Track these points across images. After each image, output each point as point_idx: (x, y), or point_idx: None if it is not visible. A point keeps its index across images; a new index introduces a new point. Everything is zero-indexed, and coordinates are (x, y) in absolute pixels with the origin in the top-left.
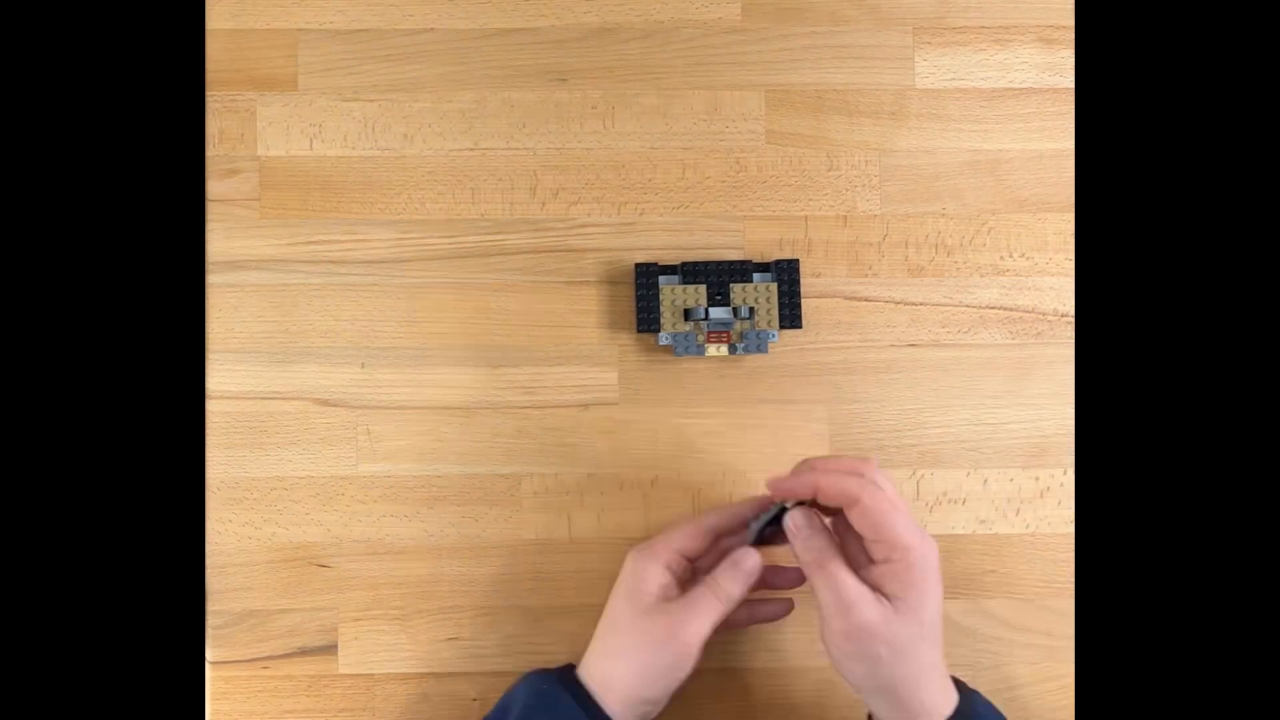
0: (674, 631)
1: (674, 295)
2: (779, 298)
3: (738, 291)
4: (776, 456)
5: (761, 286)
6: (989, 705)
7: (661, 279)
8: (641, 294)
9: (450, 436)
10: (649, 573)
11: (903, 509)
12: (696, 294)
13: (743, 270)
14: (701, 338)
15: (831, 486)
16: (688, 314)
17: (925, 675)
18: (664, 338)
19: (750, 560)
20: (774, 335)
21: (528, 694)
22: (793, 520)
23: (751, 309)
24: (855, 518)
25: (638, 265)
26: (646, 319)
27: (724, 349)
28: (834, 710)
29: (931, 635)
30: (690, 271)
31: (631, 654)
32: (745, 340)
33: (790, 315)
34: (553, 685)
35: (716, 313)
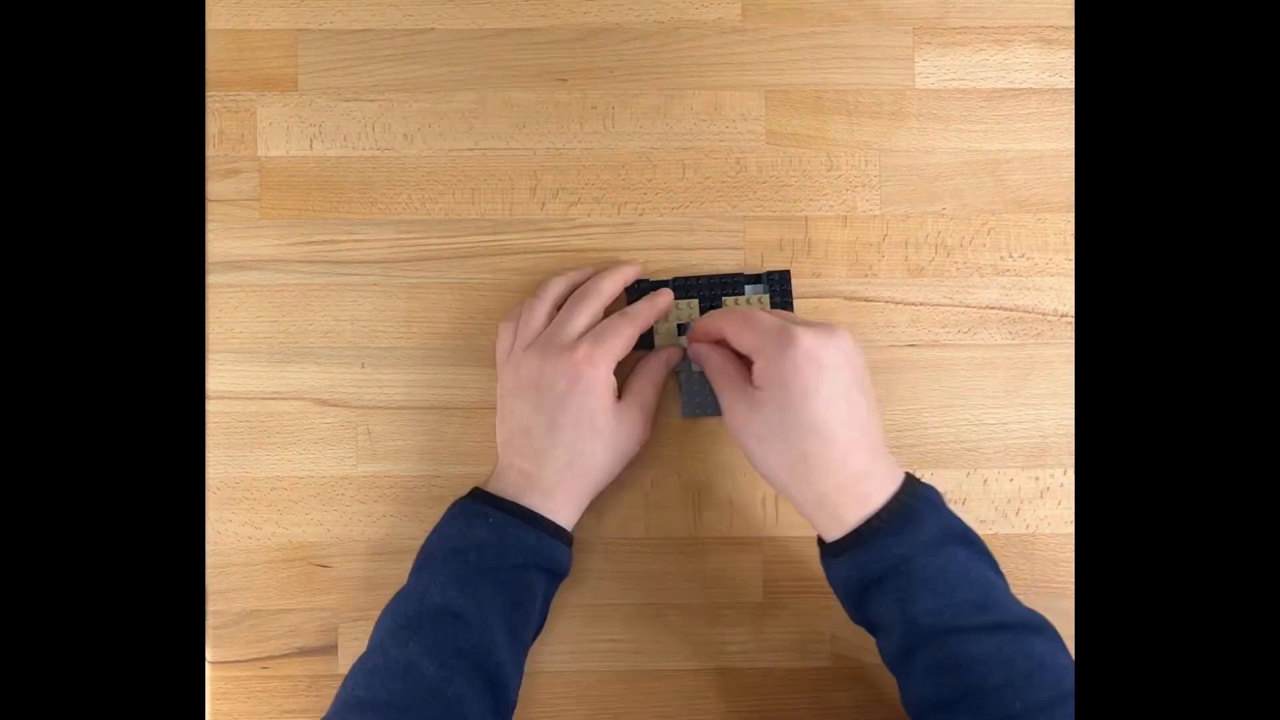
0: (642, 427)
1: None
2: (771, 308)
3: (729, 304)
4: None
5: (754, 299)
6: (928, 498)
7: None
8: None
9: (450, 436)
10: (606, 383)
11: (759, 318)
12: (689, 308)
13: (734, 283)
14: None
15: (704, 325)
16: (681, 329)
17: (809, 464)
18: None
19: (664, 294)
20: None
21: (488, 532)
22: (691, 350)
23: None
24: (727, 333)
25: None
26: (650, 344)
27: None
28: (834, 710)
29: (803, 418)
30: (682, 286)
31: (599, 457)
32: None
33: None
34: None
35: None
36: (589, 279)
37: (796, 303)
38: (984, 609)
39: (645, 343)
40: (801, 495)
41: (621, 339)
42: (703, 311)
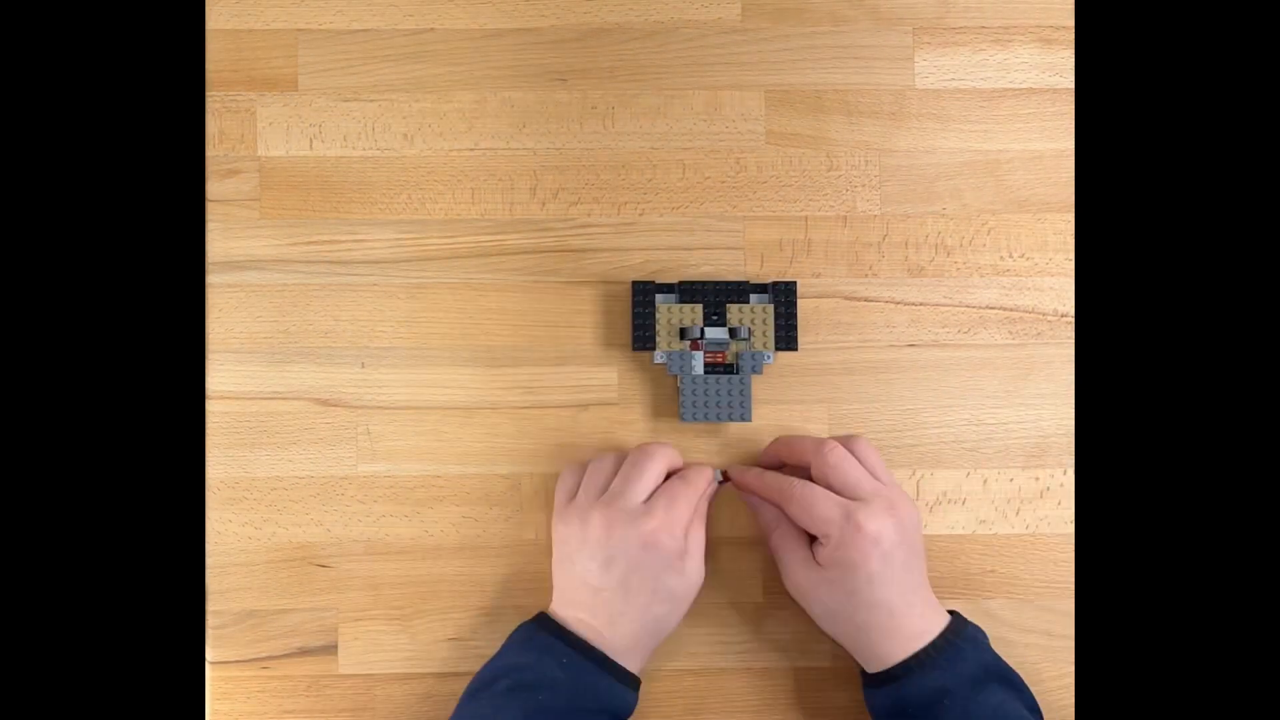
0: (700, 573)
1: (670, 314)
2: (775, 319)
3: (734, 312)
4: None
5: (759, 308)
6: (973, 636)
7: (659, 297)
8: (638, 312)
9: (450, 436)
10: (678, 551)
11: (822, 503)
12: (693, 313)
13: (740, 291)
14: (695, 358)
15: (765, 489)
16: (683, 333)
17: (867, 632)
18: (659, 356)
19: (697, 475)
20: (769, 357)
21: (561, 673)
22: (744, 475)
23: (749, 329)
24: (789, 512)
25: (635, 284)
26: (642, 337)
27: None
28: (834, 710)
29: (865, 598)
30: (687, 291)
31: (667, 610)
32: (740, 361)
33: (786, 337)
34: (581, 662)
35: (712, 332)
36: (646, 444)
37: (802, 301)
38: None
39: (646, 343)
40: (855, 647)
41: (691, 507)
42: (706, 317)
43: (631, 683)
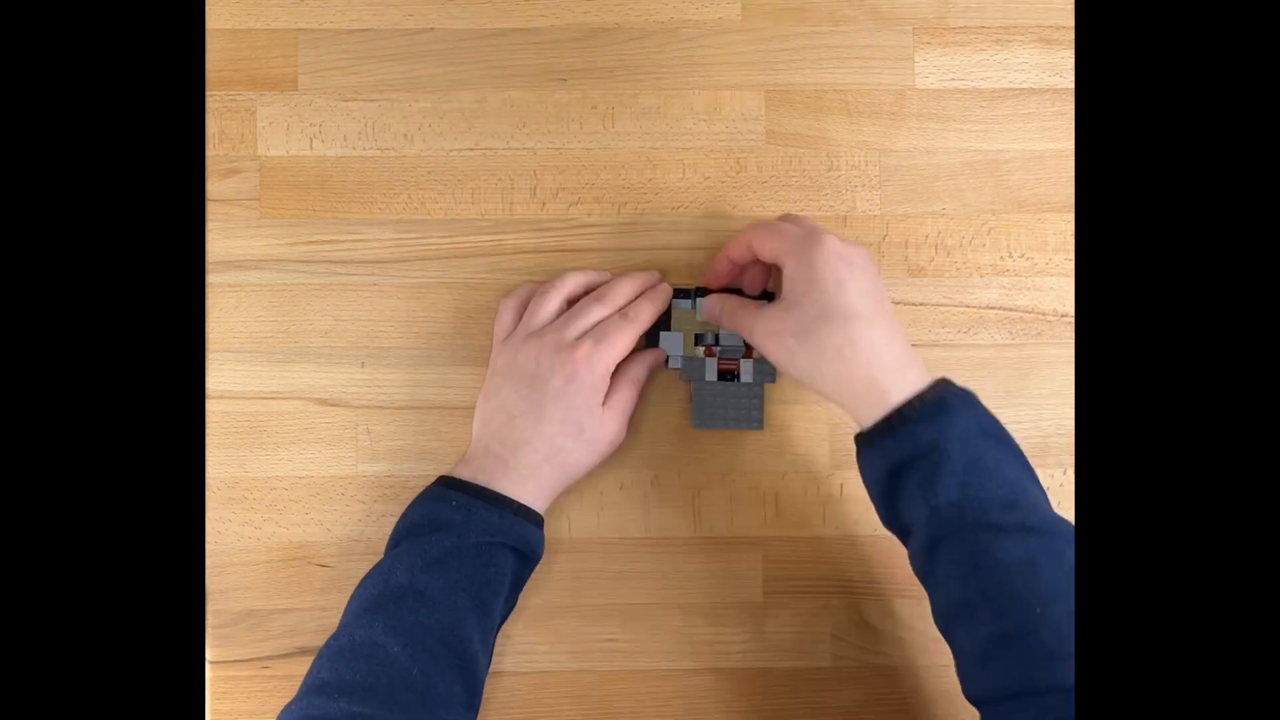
0: (619, 429)
1: (685, 319)
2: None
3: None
4: (777, 457)
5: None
6: (963, 396)
7: (675, 302)
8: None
9: (450, 436)
10: (599, 385)
11: (782, 227)
12: (700, 317)
13: (757, 298)
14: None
15: (729, 249)
16: (698, 339)
17: (852, 361)
18: (674, 361)
19: (663, 291)
20: None
21: (450, 513)
22: (703, 306)
23: None
24: (756, 249)
25: None
26: (656, 340)
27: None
28: (834, 710)
29: (840, 308)
30: (691, 295)
31: (576, 455)
32: (756, 369)
33: None
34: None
35: (727, 338)
36: (608, 282)
37: None
38: (1011, 507)
39: (651, 342)
40: (844, 385)
41: (623, 340)
42: (721, 330)
43: (531, 517)
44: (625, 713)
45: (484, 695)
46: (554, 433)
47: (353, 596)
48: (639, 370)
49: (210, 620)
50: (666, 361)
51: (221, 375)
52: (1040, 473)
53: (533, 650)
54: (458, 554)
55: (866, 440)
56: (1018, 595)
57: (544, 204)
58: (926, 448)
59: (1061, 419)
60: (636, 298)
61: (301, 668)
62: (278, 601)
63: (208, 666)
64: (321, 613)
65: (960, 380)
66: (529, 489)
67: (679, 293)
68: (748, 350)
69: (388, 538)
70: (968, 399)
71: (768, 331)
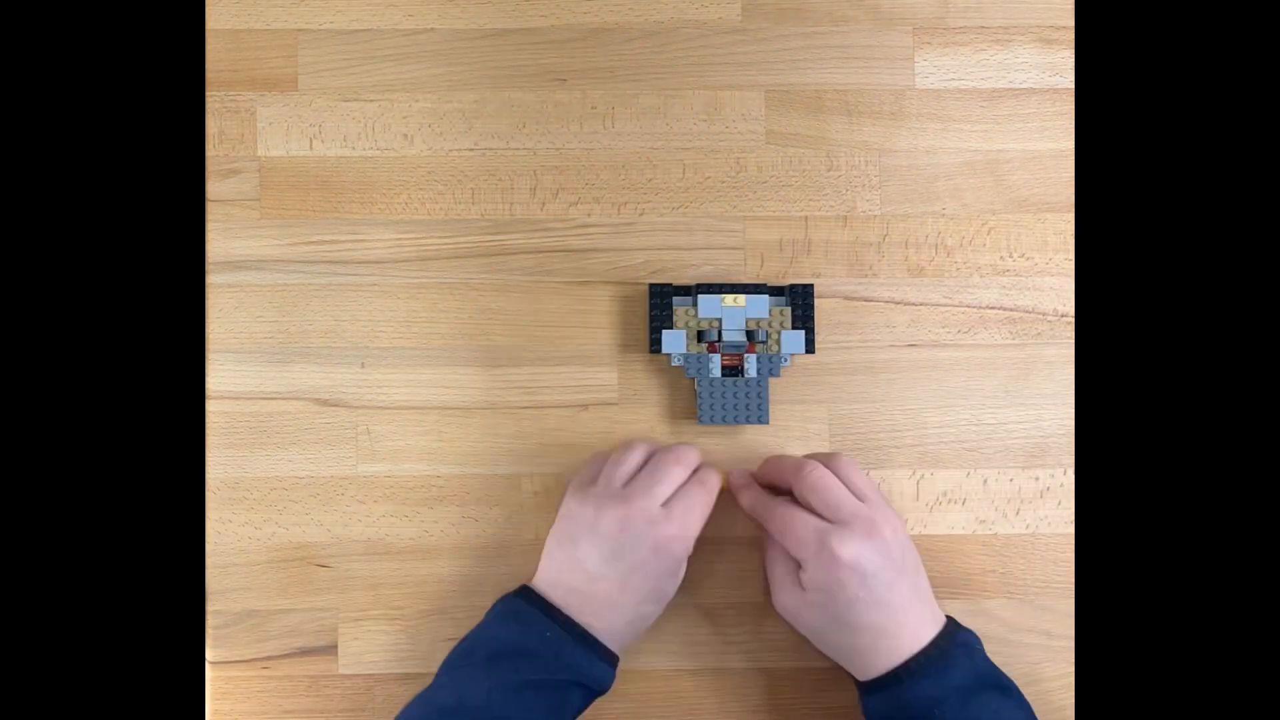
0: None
1: (687, 317)
2: (792, 322)
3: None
4: None
5: (775, 311)
6: (965, 643)
7: (675, 300)
8: (655, 314)
9: (450, 436)
10: (685, 559)
11: (797, 524)
12: (708, 319)
13: (757, 293)
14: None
15: (751, 509)
16: (700, 335)
17: (855, 651)
18: (676, 358)
19: (712, 479)
20: (786, 360)
21: (541, 645)
22: (734, 481)
23: (767, 332)
24: (771, 534)
25: (652, 285)
26: (659, 339)
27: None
28: (834, 710)
29: (848, 621)
30: (705, 293)
31: (655, 610)
32: (759, 364)
33: (805, 340)
34: (567, 642)
35: (730, 335)
36: (678, 445)
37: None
38: None
39: (654, 339)
40: (845, 664)
41: (705, 515)
42: (723, 326)
43: (612, 660)
44: (625, 713)
45: None
46: (639, 600)
47: (418, 700)
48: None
49: (210, 620)
50: (670, 359)
51: (221, 375)
52: (1040, 473)
53: None
54: (540, 687)
55: (865, 689)
56: None
57: (544, 204)
58: (928, 704)
59: (1061, 419)
60: (701, 471)
61: (301, 668)
62: (278, 602)
63: (208, 667)
64: (321, 613)
65: (960, 380)
66: (610, 639)
67: (680, 290)
68: (751, 345)
69: (462, 641)
70: (969, 648)
71: (785, 610)
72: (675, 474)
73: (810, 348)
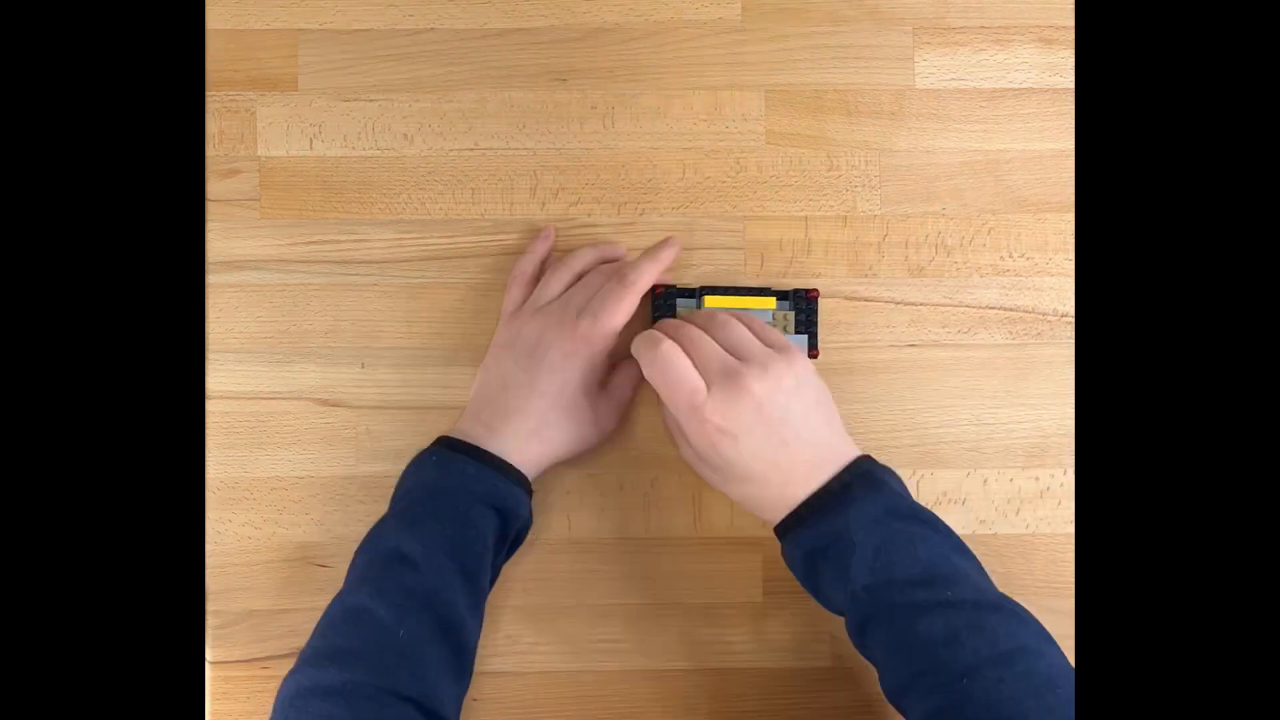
0: (611, 420)
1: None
2: (796, 326)
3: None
4: None
5: (779, 315)
6: (870, 481)
7: (679, 302)
8: (658, 317)
9: None
10: (595, 365)
11: (679, 376)
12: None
13: (760, 296)
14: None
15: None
16: None
17: (750, 498)
18: None
19: (671, 245)
20: None
21: (432, 470)
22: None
23: None
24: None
25: (654, 287)
26: (673, 313)
27: None
28: (834, 710)
29: (738, 479)
30: (709, 295)
31: (565, 434)
32: None
33: (808, 344)
34: (469, 463)
35: None
36: (624, 258)
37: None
38: (927, 584)
39: (668, 311)
40: (758, 513)
41: (622, 308)
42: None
43: (512, 475)
44: (625, 713)
45: (485, 695)
46: (546, 407)
47: (350, 564)
48: (639, 371)
49: (210, 621)
50: None
51: (221, 375)
52: (1040, 473)
53: (533, 650)
54: (437, 514)
55: (780, 532)
56: (944, 669)
57: (544, 204)
58: (831, 537)
59: (1061, 419)
60: (639, 257)
61: None
62: (278, 602)
63: (208, 667)
64: (321, 613)
65: (960, 380)
66: (511, 456)
67: (682, 292)
68: None
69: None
70: (875, 483)
71: (682, 450)
72: (599, 283)
73: (813, 352)
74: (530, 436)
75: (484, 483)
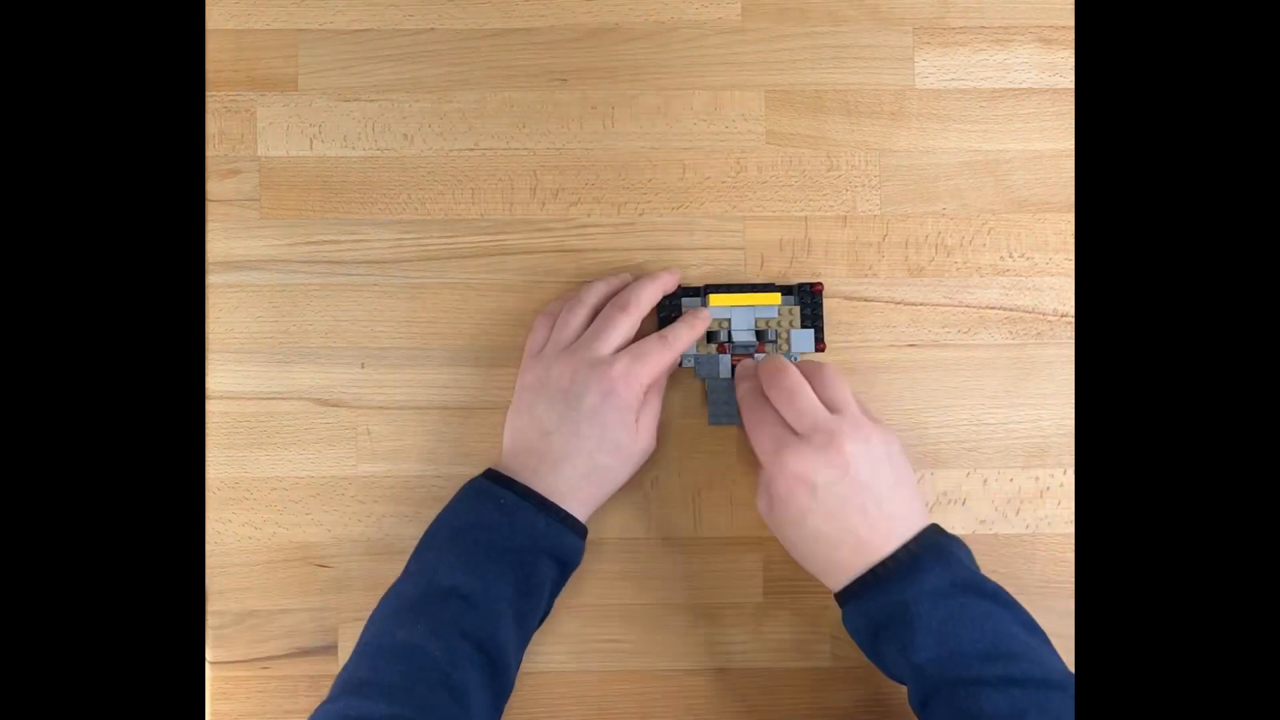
0: (652, 439)
1: None
2: (802, 321)
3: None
4: None
5: (784, 310)
6: (938, 552)
7: (684, 300)
8: (664, 316)
9: (450, 436)
10: (636, 404)
11: (761, 431)
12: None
13: (767, 292)
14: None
15: (742, 403)
16: (710, 336)
17: (817, 559)
18: (686, 359)
19: (702, 316)
20: (796, 359)
21: (498, 514)
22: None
23: (776, 332)
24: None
25: None
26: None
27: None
28: (834, 710)
29: (804, 532)
30: (713, 293)
31: (615, 472)
32: None
33: (814, 338)
34: (518, 502)
35: (739, 335)
36: (628, 286)
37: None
38: (993, 659)
39: (673, 310)
40: (822, 576)
41: (661, 364)
42: (733, 326)
43: (574, 526)
44: (625, 713)
45: None
46: (592, 449)
47: (388, 595)
48: (662, 379)
49: (210, 621)
50: (681, 361)
51: (221, 375)
52: (1040, 473)
53: (533, 650)
54: (501, 558)
55: (843, 599)
56: None
57: (544, 204)
58: (896, 609)
59: (1061, 419)
60: (677, 322)
61: (301, 668)
62: (278, 602)
63: (208, 667)
64: (321, 613)
65: (960, 380)
66: (570, 503)
67: (687, 291)
68: (760, 345)
69: (428, 528)
70: (943, 554)
71: (758, 501)
72: (623, 324)
73: (820, 346)
74: (583, 480)
75: (551, 538)
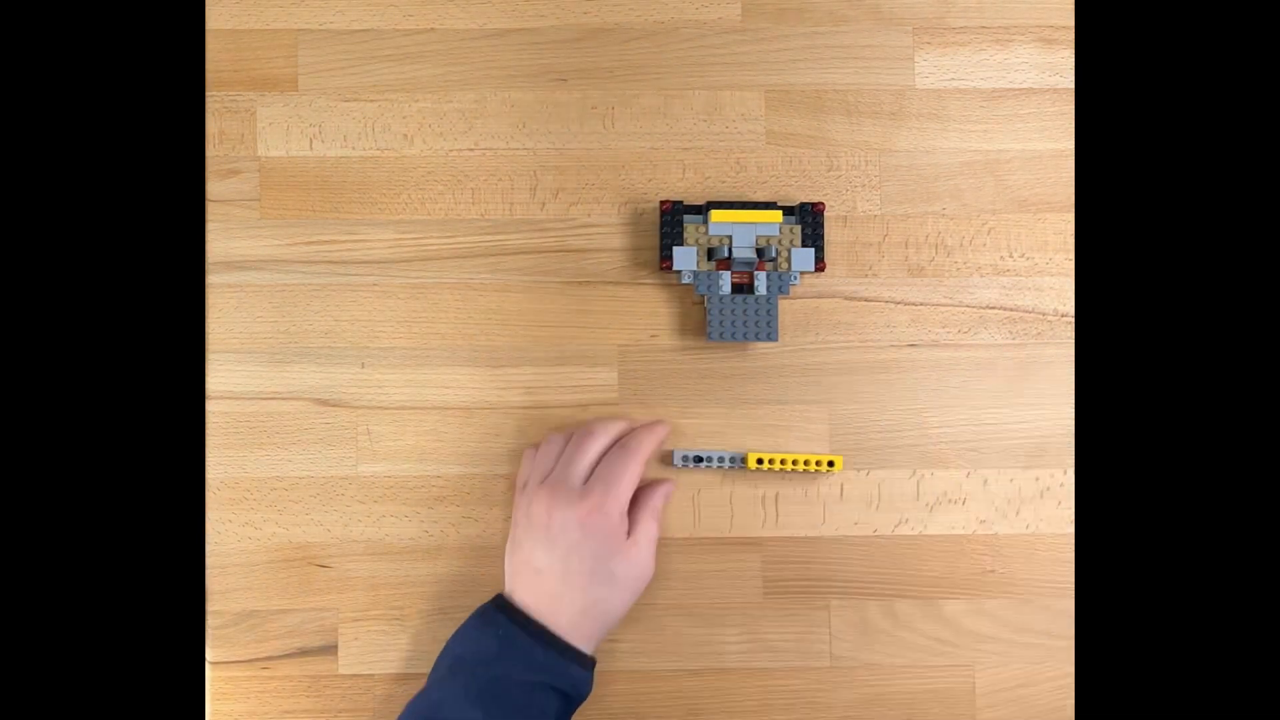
0: (649, 563)
1: (698, 234)
2: (803, 240)
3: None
4: None
5: (785, 228)
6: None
7: (686, 218)
8: (666, 230)
9: (450, 436)
10: (617, 530)
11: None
12: (720, 240)
13: (768, 210)
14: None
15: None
16: (711, 253)
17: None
18: (686, 276)
19: (662, 429)
20: (796, 278)
21: (497, 644)
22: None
23: (776, 250)
24: None
25: (662, 201)
26: (670, 255)
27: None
28: (834, 710)
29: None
30: (716, 210)
31: (613, 604)
32: (769, 281)
33: (814, 257)
34: (523, 638)
35: (740, 252)
36: (601, 422)
37: (801, 300)
38: None
39: (665, 255)
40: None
41: (629, 476)
42: (734, 244)
43: (579, 659)
44: (625, 713)
45: None
46: (584, 584)
47: (408, 712)
48: (657, 501)
49: (210, 621)
50: (679, 277)
51: (221, 375)
52: (1040, 473)
53: None
54: (504, 690)
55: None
56: None
57: (544, 204)
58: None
59: (1061, 419)
60: (638, 429)
61: (301, 668)
62: (278, 602)
63: (208, 667)
64: (321, 613)
65: (960, 380)
66: (573, 637)
67: (690, 208)
68: (761, 263)
69: (440, 654)
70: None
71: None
72: (591, 448)
73: (820, 265)
74: (581, 617)
75: (549, 670)
